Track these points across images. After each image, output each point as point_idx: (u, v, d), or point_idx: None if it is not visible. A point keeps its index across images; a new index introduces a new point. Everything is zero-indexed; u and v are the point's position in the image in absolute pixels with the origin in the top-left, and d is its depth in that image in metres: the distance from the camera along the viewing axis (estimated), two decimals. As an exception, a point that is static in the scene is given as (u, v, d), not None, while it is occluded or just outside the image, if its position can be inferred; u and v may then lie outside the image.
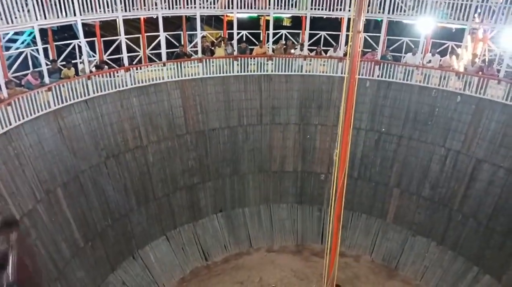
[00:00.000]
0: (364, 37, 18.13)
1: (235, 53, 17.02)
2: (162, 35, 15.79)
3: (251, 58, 16.92)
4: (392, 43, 18.10)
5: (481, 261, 14.74)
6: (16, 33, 16.06)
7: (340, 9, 16.71)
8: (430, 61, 16.15)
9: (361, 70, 16.19)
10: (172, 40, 17.34)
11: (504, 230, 14.09)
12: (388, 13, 16.20)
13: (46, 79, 13.07)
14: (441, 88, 15.47)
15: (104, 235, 14.07)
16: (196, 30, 16.51)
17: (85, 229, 13.27)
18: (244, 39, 18.62)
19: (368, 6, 16.34)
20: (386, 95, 16.48)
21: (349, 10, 15.95)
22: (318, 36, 18.37)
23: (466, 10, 14.98)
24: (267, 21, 17.48)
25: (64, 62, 14.37)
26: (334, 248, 10.63)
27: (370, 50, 17.25)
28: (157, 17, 15.35)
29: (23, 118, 11.75)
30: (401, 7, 16.12)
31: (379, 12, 16.47)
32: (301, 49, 17.62)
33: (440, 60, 16.19)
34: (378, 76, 16.49)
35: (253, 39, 18.77)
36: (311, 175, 17.87)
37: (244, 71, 16.80)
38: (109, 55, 15.83)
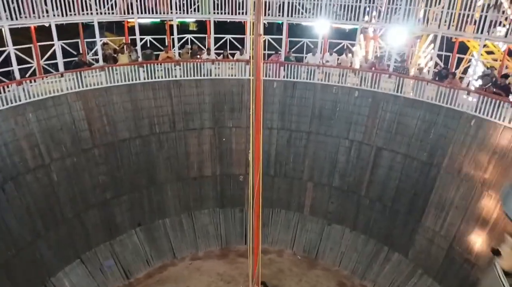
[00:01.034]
0: (268, 39, 18.81)
1: (140, 59, 16.48)
2: (57, 44, 14.69)
3: (157, 64, 16.52)
4: (294, 44, 19.03)
5: (389, 241, 16.15)
6: None
7: (243, 13, 17.10)
8: (328, 61, 17.28)
9: (267, 71, 16.77)
10: (69, 49, 16.23)
11: (406, 210, 15.59)
12: (288, 16, 16.98)
13: None
14: (340, 85, 16.61)
15: (9, 266, 12.65)
16: (95, 37, 15.64)
17: (-18, 264, 11.81)
18: (148, 45, 18.11)
19: (268, 9, 17.00)
20: (293, 94, 17.25)
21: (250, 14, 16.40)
22: (224, 39, 18.59)
23: (356, 11, 16.31)
24: (172, 26, 17.24)
25: None
26: (256, 246, 10.84)
27: (274, 52, 17.90)
28: (50, 25, 14.25)
29: None
30: (299, 10, 17.02)
31: (279, 15, 17.18)
32: (208, 53, 17.67)
33: (338, 59, 17.41)
34: (284, 77, 17.18)
35: (158, 44, 18.35)
36: (230, 177, 18.01)
37: (152, 78, 16.33)
38: (-4, 68, 14.28)
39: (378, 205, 16.35)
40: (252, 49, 9.25)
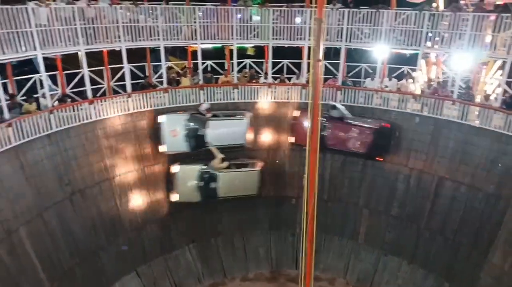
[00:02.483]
0: (325, 64, 18.83)
1: (201, 82, 17.19)
2: (126, 67, 15.75)
3: (217, 87, 17.14)
4: (352, 69, 18.89)
5: (451, 276, 15.12)
6: (-28, 69, 15.55)
7: (300, 39, 17.33)
8: (387, 86, 16.93)
9: (324, 96, 16.73)
10: (137, 72, 17.31)
11: (470, 243, 14.61)
12: (346, 41, 16.97)
13: (6, 115, 12.64)
14: (400, 111, 16.17)
15: (72, 274, 13.41)
16: (160, 61, 16.59)
17: (51, 269, 12.63)
18: (209, 68, 18.86)
19: (327, 35, 17.10)
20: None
21: (309, 39, 16.58)
22: (281, 64, 18.91)
23: (417, 36, 15.93)
24: (231, 51, 17.87)
25: (25, 97, 14.01)
26: (308, 273, 10.59)
27: (331, 76, 17.89)
28: (121, 49, 15.37)
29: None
30: (358, 35, 16.95)
31: (337, 40, 17.21)
32: (265, 78, 18.05)
33: (398, 84, 17.02)
34: (340, 101, 17.06)
35: (218, 68, 19.04)
36: (283, 200, 17.92)
37: (211, 100, 16.95)
38: (72, 88, 15.55)
39: (439, 237, 15.43)
40: (311, 73, 9.33)
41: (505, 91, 15.54)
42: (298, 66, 18.63)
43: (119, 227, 15.15)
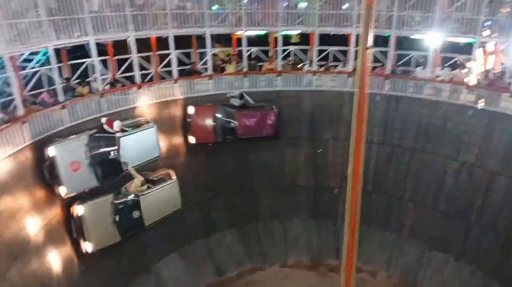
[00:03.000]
0: (374, 52, 18.22)
1: (245, 69, 17.19)
2: (173, 53, 16.00)
3: (261, 74, 17.07)
4: (401, 57, 18.15)
5: (500, 275, 14.39)
6: (31, 53, 16.37)
7: (347, 25, 16.85)
8: (439, 76, 16.16)
9: (371, 84, 16.19)
10: (183, 58, 17.54)
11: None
12: (396, 28, 16.30)
13: (61, 97, 13.24)
14: (452, 102, 15.42)
15: (119, 250, 13.96)
16: (206, 48, 16.72)
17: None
18: (253, 56, 18.80)
19: (376, 22, 16.47)
20: (397, 109, 16.48)
21: (357, 26, 16.09)
22: (327, 52, 18.49)
23: (474, 24, 15.02)
24: (276, 38, 17.70)
25: (78, 80, 14.60)
26: (349, 264, 10.43)
27: (380, 64, 17.30)
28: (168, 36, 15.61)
29: (39, 135, 11.89)
30: (409, 22, 16.22)
31: (386, 28, 16.58)
32: (310, 65, 17.75)
33: (450, 73, 16.19)
34: (388, 90, 16.50)
35: (262, 55, 18.93)
36: (324, 189, 17.73)
37: (254, 88, 16.92)
38: (122, 73, 16.03)
39: (490, 234, 14.71)
40: (358, 61, 9.04)
41: None
42: (345, 53, 18.17)
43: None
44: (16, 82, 12.33)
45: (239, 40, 17.80)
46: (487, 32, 15.44)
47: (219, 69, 17.21)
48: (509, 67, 16.55)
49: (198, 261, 16.30)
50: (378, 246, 17.05)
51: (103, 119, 13.23)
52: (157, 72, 16.66)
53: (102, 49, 15.91)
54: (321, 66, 17.95)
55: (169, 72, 16.53)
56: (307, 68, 17.78)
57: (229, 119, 15.73)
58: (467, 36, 15.55)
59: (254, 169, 17.44)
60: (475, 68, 16.57)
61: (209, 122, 15.66)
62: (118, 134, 12.78)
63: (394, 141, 16.62)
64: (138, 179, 13.30)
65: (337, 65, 18.13)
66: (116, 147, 12.64)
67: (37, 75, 14.57)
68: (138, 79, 15.41)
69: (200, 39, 17.81)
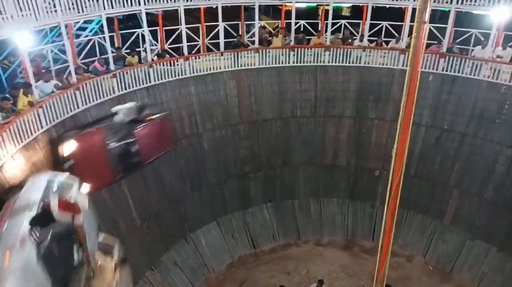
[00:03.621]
0: (429, 28, 17.17)
1: (292, 43, 16.86)
2: (221, 25, 15.96)
3: (308, 48, 16.69)
4: (460, 35, 16.96)
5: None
6: (85, 22, 17.00)
7: (404, -2, 15.94)
8: (499, 56, 15.00)
9: (424, 63, 15.41)
10: (230, 30, 17.50)
11: None
12: (457, 3, 15.19)
13: (112, 66, 13.75)
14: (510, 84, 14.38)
15: (160, 216, 14.71)
16: (254, 20, 16.52)
17: (142, 210, 13.95)
18: (301, 29, 18.36)
19: (435, -5, 15.44)
20: (451, 90, 15.60)
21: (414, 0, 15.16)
22: (379, 26, 17.66)
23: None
24: (326, 11, 17.10)
25: (128, 50, 15.05)
26: (386, 245, 10.32)
27: (435, 42, 16.32)
28: (217, 7, 15.55)
29: (90, 102, 12.51)
30: (471, -4, 15.05)
31: (446, 2, 15.50)
32: (361, 40, 17.09)
33: (513, 54, 14.99)
34: (442, 70, 15.62)
35: (311, 29, 18.45)
36: (364, 171, 17.39)
37: (300, 62, 16.62)
38: (170, 44, 16.30)
39: (539, 228, 13.91)
40: (413, 37, 8.57)
41: None
42: (398, 29, 17.27)
43: (204, 178, 16.04)
44: (70, 50, 12.97)
45: (287, 12, 17.42)
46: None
47: (265, 42, 17.00)
48: None
49: (235, 231, 16.76)
50: (417, 231, 16.64)
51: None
52: (205, 44, 16.77)
53: (152, 19, 16.27)
54: (372, 41, 17.23)
55: (216, 45, 16.58)
56: (358, 43, 17.15)
57: (127, 141, 11.36)
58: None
59: (296, 144, 17.38)
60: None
61: (101, 154, 10.94)
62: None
63: (445, 124, 15.84)
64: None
65: (390, 41, 17.30)
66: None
67: (90, 43, 15.15)
68: (185, 50, 15.62)
69: (247, 11, 17.62)
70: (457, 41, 16.48)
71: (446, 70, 15.52)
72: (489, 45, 15.26)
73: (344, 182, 17.79)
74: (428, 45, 16.00)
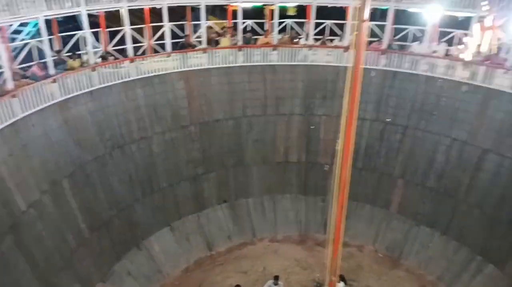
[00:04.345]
0: (370, 26, 17.91)
1: (239, 43, 16.93)
2: (167, 26, 15.72)
3: (256, 48, 16.83)
4: (398, 32, 17.85)
5: (484, 251, 14.71)
6: (21, 25, 16.10)
7: (348, -2, 16.49)
8: (435, 51, 15.95)
9: (366, 59, 16.04)
10: (177, 31, 17.26)
11: (509, 220, 14.03)
12: (395, 1, 15.96)
13: (51, 71, 13.12)
14: (447, 78, 15.31)
15: (110, 224, 14.24)
16: (200, 20, 16.41)
17: (90, 219, 13.44)
18: (248, 29, 18.49)
19: (374, -6, 16.10)
20: (392, 85, 16.38)
21: (355, -1, 15.74)
22: (324, 25, 18.17)
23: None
24: (272, 11, 17.33)
25: (70, 53, 14.43)
26: (337, 237, 10.65)
27: (376, 39, 17.04)
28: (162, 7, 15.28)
29: (29, 109, 11.87)
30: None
31: (385, 1, 16.23)
32: (306, 39, 17.48)
33: (447, 49, 15.99)
34: (384, 65, 16.35)
35: (258, 29, 18.61)
36: (315, 166, 17.83)
37: (249, 62, 16.74)
38: (114, 46, 15.81)
39: (476, 211, 14.93)
40: (354, 35, 8.89)
41: None
42: (342, 27, 17.86)
43: (155, 182, 15.73)
44: (5, 54, 12.20)
45: (234, 12, 17.45)
46: (486, 7, 15.13)
47: (213, 42, 16.95)
48: (505, 43, 16.35)
49: (189, 235, 16.57)
50: (366, 222, 17.31)
51: None
52: (151, 45, 16.43)
53: (94, 21, 15.67)
54: (317, 40, 17.69)
55: (163, 45, 16.29)
56: (304, 42, 17.53)
57: None
58: (466, 11, 15.27)
59: (248, 143, 17.48)
60: (471, 44, 16.35)
61: None
62: None
63: (388, 118, 16.58)
64: None
65: (334, 40, 17.85)
66: None
67: (27, 47, 14.34)
68: (130, 52, 15.22)
69: (194, 11, 17.47)
70: (396, 37, 17.32)
71: (388, 66, 16.26)
72: (425, 41, 16.17)
73: (296, 178, 18.14)
74: (370, 42, 16.72)
